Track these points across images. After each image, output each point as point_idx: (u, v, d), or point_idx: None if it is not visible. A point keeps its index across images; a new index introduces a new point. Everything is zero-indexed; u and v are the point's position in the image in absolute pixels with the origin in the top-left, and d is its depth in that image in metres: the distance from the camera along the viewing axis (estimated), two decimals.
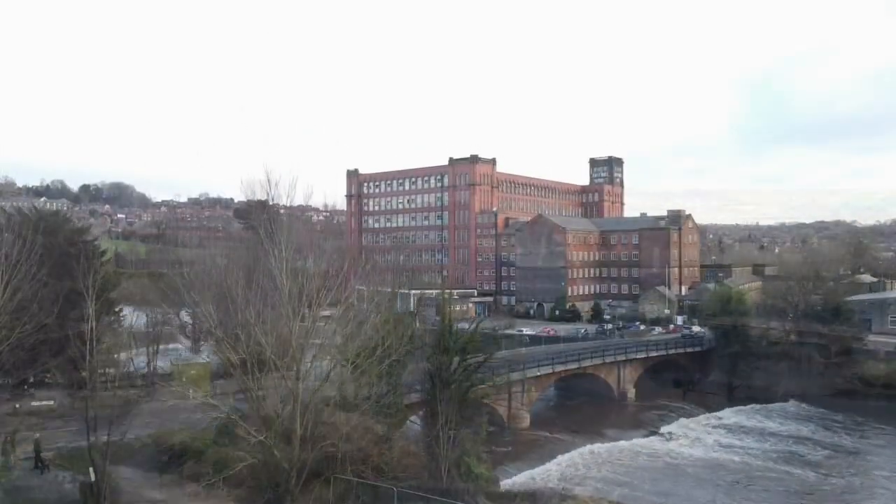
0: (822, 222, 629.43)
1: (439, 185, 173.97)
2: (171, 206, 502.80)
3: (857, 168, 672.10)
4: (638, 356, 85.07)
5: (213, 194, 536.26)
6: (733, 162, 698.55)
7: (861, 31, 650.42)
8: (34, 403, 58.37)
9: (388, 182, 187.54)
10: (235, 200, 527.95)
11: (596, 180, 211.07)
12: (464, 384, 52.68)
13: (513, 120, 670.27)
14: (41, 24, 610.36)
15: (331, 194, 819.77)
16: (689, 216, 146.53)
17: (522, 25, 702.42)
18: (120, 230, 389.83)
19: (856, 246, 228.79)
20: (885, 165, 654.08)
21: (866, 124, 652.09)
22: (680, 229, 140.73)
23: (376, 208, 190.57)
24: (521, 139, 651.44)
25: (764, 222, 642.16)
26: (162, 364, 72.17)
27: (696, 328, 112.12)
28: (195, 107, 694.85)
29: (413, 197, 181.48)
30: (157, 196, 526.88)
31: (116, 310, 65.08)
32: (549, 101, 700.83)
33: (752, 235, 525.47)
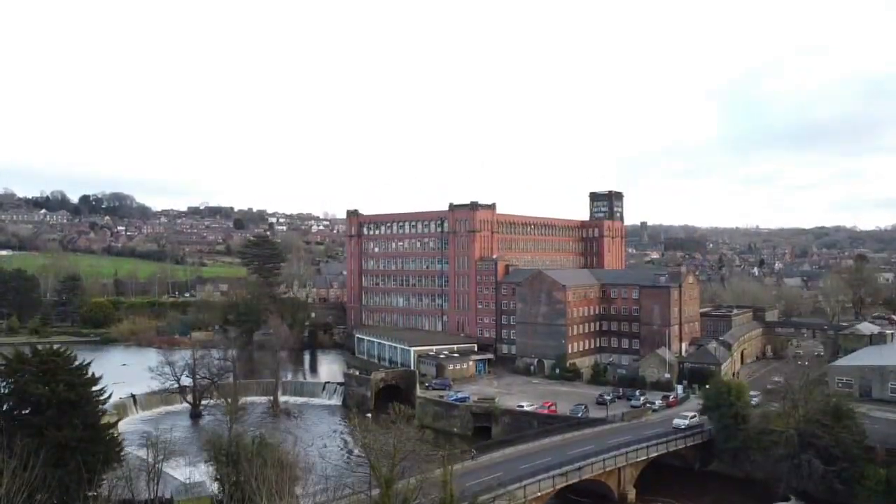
0: (822, 227, 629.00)
1: (439, 229, 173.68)
2: (170, 215, 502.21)
3: (846, 170, 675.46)
4: (639, 458, 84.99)
5: (213, 203, 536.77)
6: (726, 165, 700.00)
7: (836, 39, 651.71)
8: None
9: (389, 225, 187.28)
10: (235, 209, 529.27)
11: (596, 215, 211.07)
12: None
13: (513, 149, 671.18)
14: (41, 35, 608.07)
15: (331, 201, 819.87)
16: (689, 272, 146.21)
17: (519, 54, 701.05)
18: (120, 245, 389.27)
19: (856, 272, 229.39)
20: (872, 168, 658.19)
21: (847, 128, 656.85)
22: (680, 286, 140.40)
23: (377, 250, 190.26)
24: (521, 170, 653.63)
25: (764, 226, 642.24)
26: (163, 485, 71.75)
27: (694, 399, 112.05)
28: (196, 115, 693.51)
29: (413, 241, 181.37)
30: (157, 205, 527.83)
31: (118, 450, 64.41)
32: (547, 125, 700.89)
33: (752, 244, 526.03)
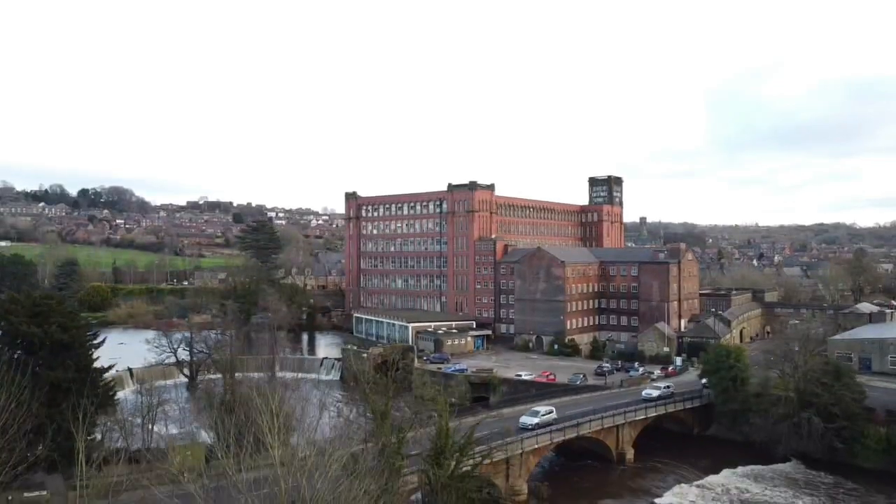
0: (822, 224, 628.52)
1: (438, 210, 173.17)
2: (169, 210, 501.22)
3: (840, 170, 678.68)
4: (637, 417, 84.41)
5: (213, 198, 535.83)
6: (720, 165, 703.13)
7: (822, 43, 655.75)
8: (27, 494, 57.81)
9: (387, 206, 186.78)
10: (234, 204, 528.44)
11: (595, 200, 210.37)
12: (462, 487, 52.24)
13: (511, 138, 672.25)
14: (41, 29, 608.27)
15: (331, 197, 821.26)
16: (688, 249, 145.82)
17: (519, 48, 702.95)
18: (118, 238, 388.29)
19: (855, 261, 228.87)
20: (866, 168, 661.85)
21: (838, 130, 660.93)
22: (679, 263, 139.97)
23: (375, 232, 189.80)
24: (521, 153, 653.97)
25: (763, 223, 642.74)
26: (158, 428, 71.40)
27: (693, 371, 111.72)
28: (197, 110, 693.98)
29: (412, 222, 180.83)
30: (156, 200, 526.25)
31: (111, 394, 63.93)
32: (545, 118, 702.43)
33: (752, 240, 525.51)
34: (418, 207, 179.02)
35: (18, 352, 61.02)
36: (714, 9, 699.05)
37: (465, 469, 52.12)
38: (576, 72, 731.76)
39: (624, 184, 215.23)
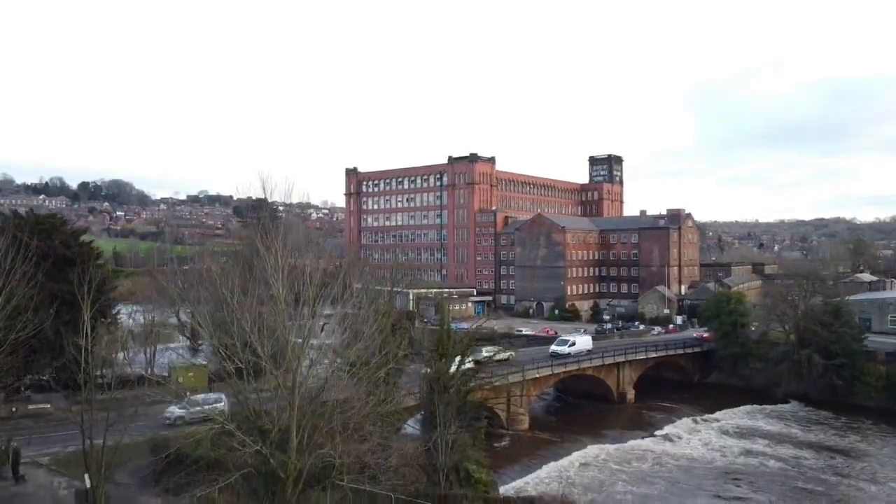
0: (822, 219, 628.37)
1: (438, 183, 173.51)
2: (170, 203, 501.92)
3: (834, 169, 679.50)
4: (637, 357, 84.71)
5: (213, 192, 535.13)
6: (715, 165, 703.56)
7: (805, 48, 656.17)
8: (31, 406, 58.33)
9: (388, 181, 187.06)
10: (235, 198, 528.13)
11: (595, 178, 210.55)
12: (463, 388, 52.45)
13: (512, 118, 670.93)
14: (41, 21, 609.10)
15: (330, 191, 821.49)
16: (688, 215, 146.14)
17: (520, 25, 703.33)
18: (119, 228, 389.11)
19: (855, 245, 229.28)
20: (863, 167, 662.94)
21: (829, 130, 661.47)
22: (679, 228, 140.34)
23: (375, 207, 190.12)
24: (521, 137, 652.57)
25: (763, 220, 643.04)
26: (160, 370, 71.82)
27: (694, 332, 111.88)
28: (195, 104, 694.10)
29: (412, 196, 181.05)
30: (156, 194, 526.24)
31: (114, 311, 64.50)
32: (547, 99, 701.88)
33: (752, 233, 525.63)
34: (419, 181, 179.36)
35: (23, 265, 61.57)
36: (711, 8, 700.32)
37: (467, 368, 52.31)
38: (576, 68, 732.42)
39: (624, 166, 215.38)
